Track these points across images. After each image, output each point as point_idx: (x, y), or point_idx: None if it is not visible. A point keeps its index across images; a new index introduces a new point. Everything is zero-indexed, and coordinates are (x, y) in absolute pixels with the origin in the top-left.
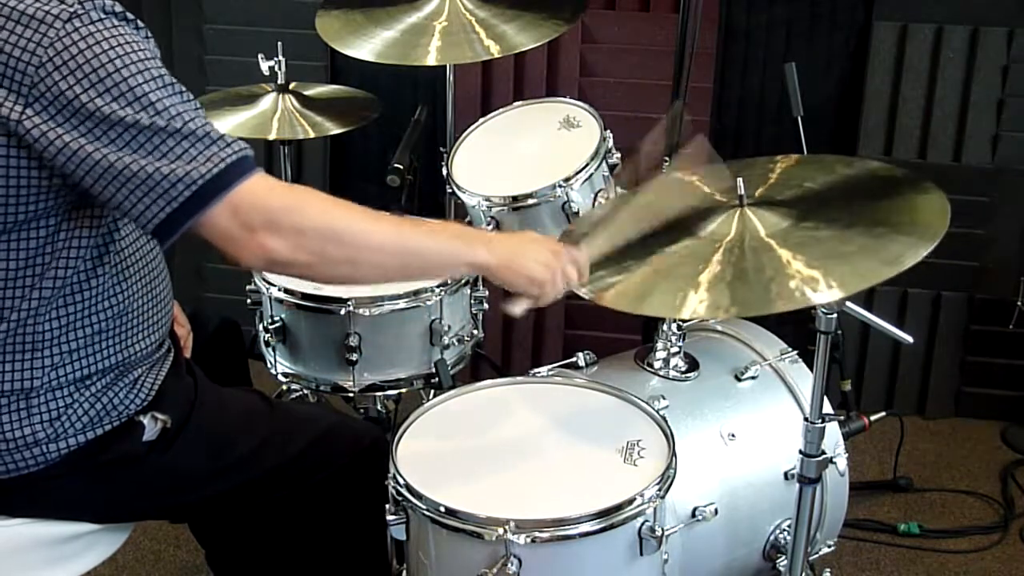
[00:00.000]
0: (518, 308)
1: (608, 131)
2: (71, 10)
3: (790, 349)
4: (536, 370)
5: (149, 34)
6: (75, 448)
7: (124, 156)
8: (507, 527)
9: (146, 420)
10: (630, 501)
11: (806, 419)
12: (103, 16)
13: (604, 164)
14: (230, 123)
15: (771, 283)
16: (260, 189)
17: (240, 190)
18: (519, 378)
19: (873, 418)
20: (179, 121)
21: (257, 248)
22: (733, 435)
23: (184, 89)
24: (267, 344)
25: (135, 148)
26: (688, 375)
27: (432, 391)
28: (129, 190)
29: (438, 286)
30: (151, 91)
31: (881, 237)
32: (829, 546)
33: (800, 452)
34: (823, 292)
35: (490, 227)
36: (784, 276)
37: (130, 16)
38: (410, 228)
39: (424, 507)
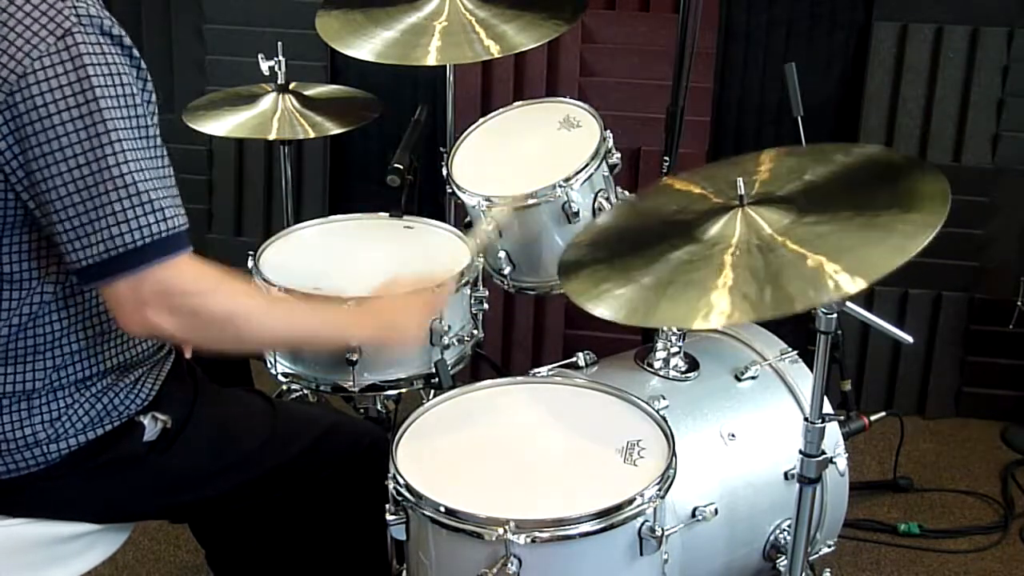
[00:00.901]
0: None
1: (608, 131)
2: (65, 27)
3: (790, 349)
4: (536, 370)
5: (143, 64)
6: (75, 448)
7: (64, 192)
8: (507, 527)
9: (146, 420)
10: (630, 501)
11: (806, 419)
12: (99, 39)
13: (604, 164)
14: (230, 123)
15: (793, 280)
16: (174, 277)
17: (153, 272)
18: (519, 378)
19: (873, 418)
20: (133, 176)
21: (139, 323)
22: (733, 435)
23: (151, 134)
24: None
25: (80, 188)
26: (688, 375)
27: (432, 391)
28: (56, 222)
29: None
30: (120, 128)
31: (888, 223)
32: (829, 546)
33: (800, 452)
34: (847, 283)
35: (490, 227)
36: (805, 271)
37: (127, 42)
38: (300, 317)
39: (424, 507)
